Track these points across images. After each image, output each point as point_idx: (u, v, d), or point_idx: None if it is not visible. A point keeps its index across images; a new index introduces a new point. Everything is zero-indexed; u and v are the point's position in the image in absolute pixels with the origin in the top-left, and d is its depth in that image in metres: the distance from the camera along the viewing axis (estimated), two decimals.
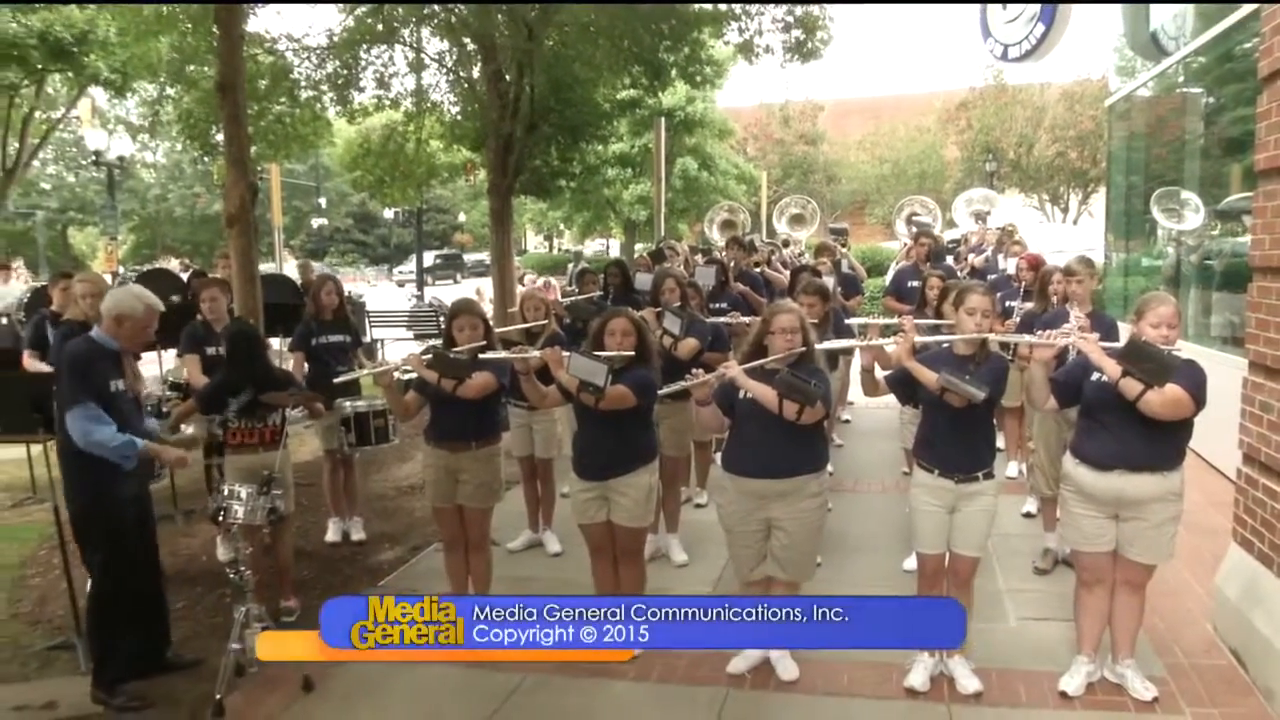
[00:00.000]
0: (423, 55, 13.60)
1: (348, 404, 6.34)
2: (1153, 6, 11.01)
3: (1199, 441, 4.36)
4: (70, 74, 18.10)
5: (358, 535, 6.64)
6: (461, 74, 13.59)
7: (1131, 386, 3.86)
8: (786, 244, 12.72)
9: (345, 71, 12.88)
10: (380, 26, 12.36)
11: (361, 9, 12.18)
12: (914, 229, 11.36)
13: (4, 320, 13.65)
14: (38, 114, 21.91)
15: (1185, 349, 4.08)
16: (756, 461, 4.24)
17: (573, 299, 7.72)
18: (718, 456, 5.50)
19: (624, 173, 28.43)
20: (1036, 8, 10.74)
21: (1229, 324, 8.34)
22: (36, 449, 6.71)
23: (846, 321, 6.59)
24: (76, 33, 16.06)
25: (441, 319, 9.98)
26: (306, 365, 6.51)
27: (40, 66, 17.06)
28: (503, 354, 4.76)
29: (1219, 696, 4.18)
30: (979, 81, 36.74)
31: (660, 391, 4.54)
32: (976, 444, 4.25)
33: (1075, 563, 4.44)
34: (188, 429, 5.61)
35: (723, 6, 12.12)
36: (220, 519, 4.44)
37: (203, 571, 6.02)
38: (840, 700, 4.24)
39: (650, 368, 4.55)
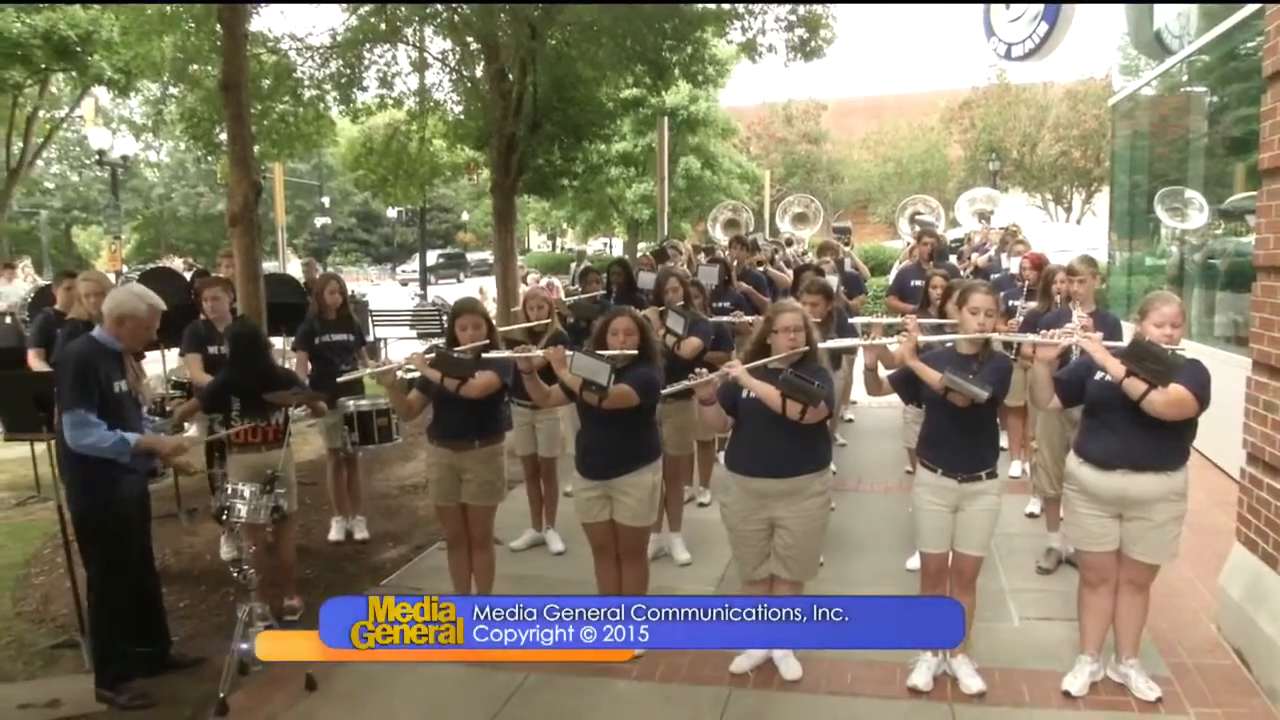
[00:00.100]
0: (426, 54, 13.62)
1: (351, 403, 6.35)
2: (1156, 5, 11.00)
3: (1203, 441, 4.35)
4: (74, 73, 18.13)
5: (361, 534, 6.64)
6: (464, 73, 13.60)
7: (1135, 386, 3.85)
8: (790, 243, 12.73)
9: (348, 70, 12.90)
10: (383, 26, 12.36)
11: (365, 8, 12.18)
12: (917, 228, 11.36)
13: (8, 319, 13.71)
14: (42, 113, 21.96)
15: (1189, 348, 4.07)
16: (759, 461, 4.24)
17: (576, 298, 7.72)
18: (721, 455, 5.52)
19: (627, 172, 28.42)
20: (1040, 7, 10.73)
21: (1233, 323, 8.33)
22: (41, 447, 6.73)
23: (850, 321, 6.59)
24: (81, 32, 16.08)
25: (444, 318, 9.97)
26: (310, 364, 6.51)
27: (44, 66, 17.09)
28: (506, 353, 4.75)
29: (1223, 696, 4.17)
30: (982, 80, 36.86)
31: (663, 391, 4.54)
32: (980, 443, 4.25)
33: (1079, 562, 4.44)
34: (190, 428, 5.63)
35: (726, 6, 12.12)
36: (224, 518, 4.45)
37: (206, 570, 6.02)
38: (843, 700, 4.24)
39: (653, 367, 4.55)
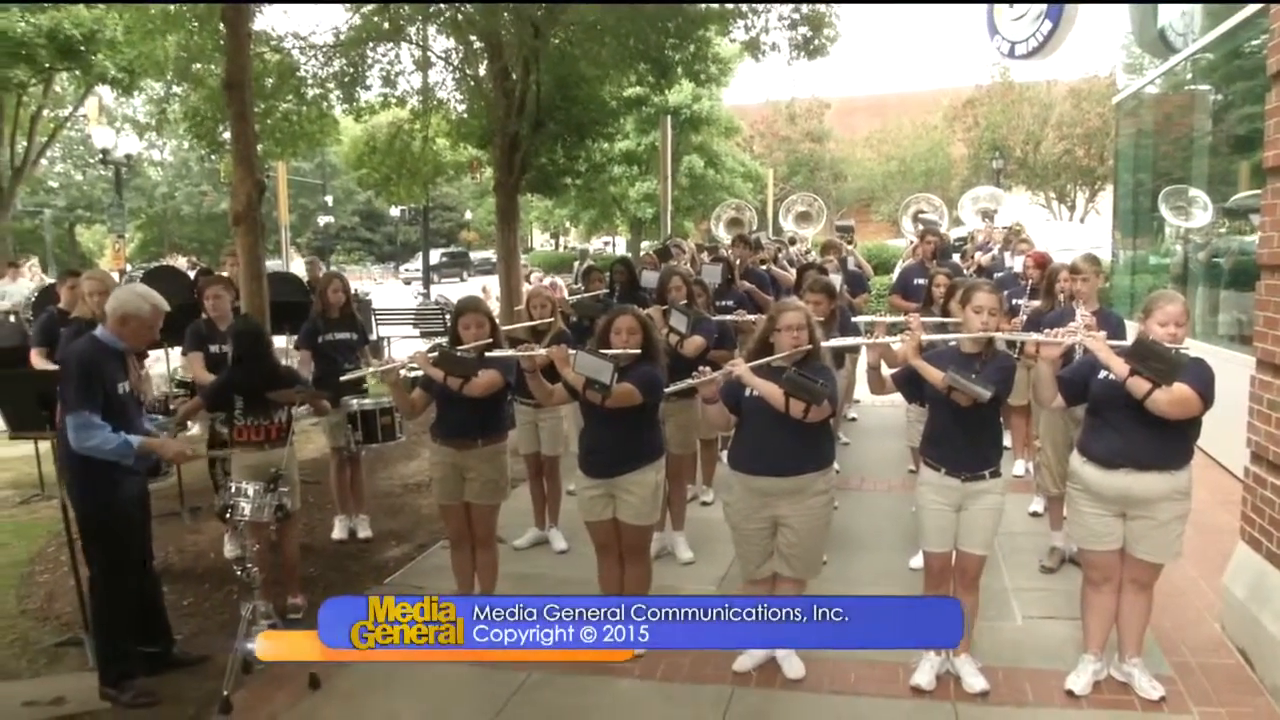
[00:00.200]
0: (429, 53, 13.62)
1: (354, 401, 6.35)
2: (1160, 4, 10.98)
3: (1207, 439, 4.34)
4: (78, 72, 18.16)
5: (364, 533, 6.65)
6: (468, 72, 13.61)
7: (1139, 385, 3.84)
8: (793, 241, 12.72)
9: (352, 69, 12.90)
10: (387, 25, 12.37)
11: (367, 7, 12.19)
12: (920, 226, 11.36)
13: (12, 318, 13.73)
14: (45, 112, 21.99)
15: (1193, 347, 4.06)
16: (763, 459, 4.24)
17: (579, 297, 7.72)
18: (724, 454, 5.52)
19: (630, 170, 28.44)
20: (1043, 5, 10.70)
21: (1237, 322, 8.31)
22: (45, 445, 6.74)
23: (853, 319, 6.58)
24: (85, 31, 16.11)
25: (448, 317, 9.99)
26: (313, 363, 6.52)
27: (48, 65, 17.12)
28: (509, 352, 4.76)
29: (1226, 696, 4.17)
30: (985, 79, 36.85)
31: (666, 389, 4.54)
32: (983, 442, 4.24)
33: (1082, 561, 4.43)
34: (194, 427, 5.63)
35: (729, 5, 12.11)
36: (227, 516, 4.46)
37: (210, 568, 6.03)
38: (846, 699, 4.24)
39: (656, 365, 4.55)
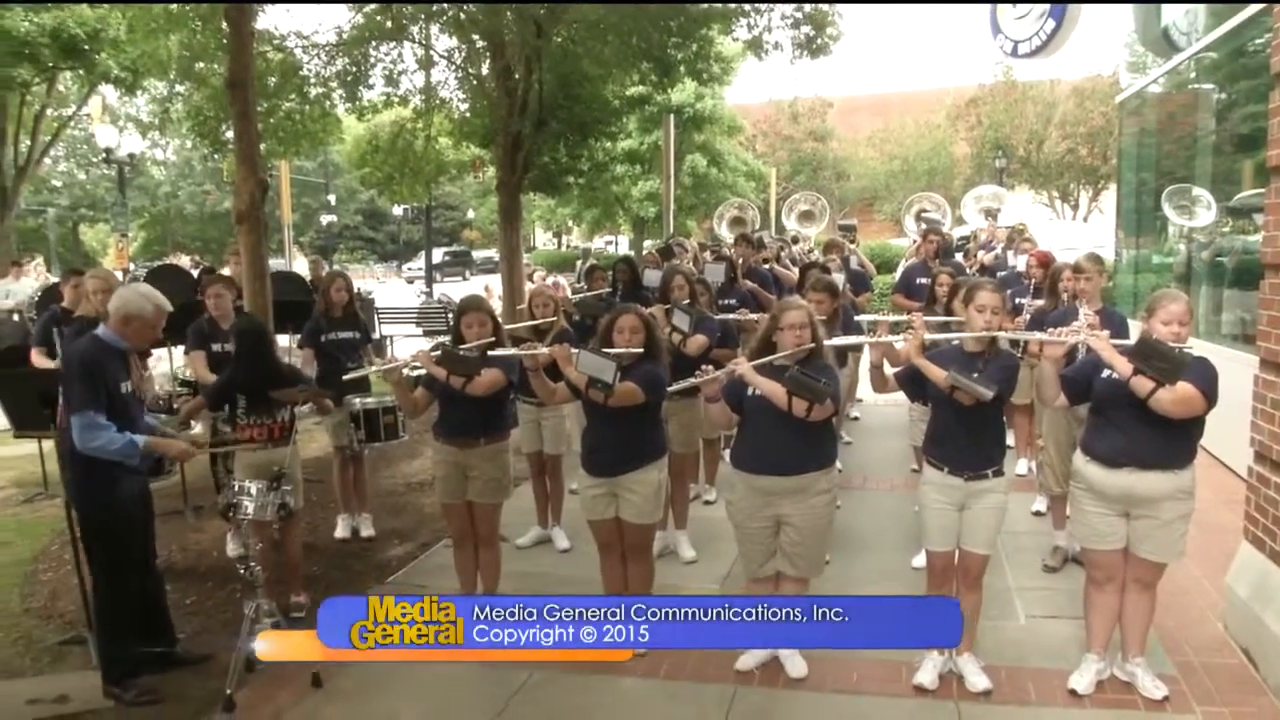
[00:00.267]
0: (432, 52, 13.62)
1: (357, 400, 6.35)
2: (1164, 4, 10.96)
3: (1210, 439, 4.34)
4: (81, 72, 18.19)
5: (367, 531, 6.65)
6: (470, 71, 13.60)
7: (1143, 384, 3.84)
8: (795, 241, 12.70)
9: (354, 68, 12.91)
10: (389, 24, 12.37)
11: (370, 6, 12.19)
12: (923, 226, 11.34)
13: (15, 317, 13.75)
14: (49, 112, 22.02)
15: (1196, 346, 4.05)
16: (765, 458, 4.24)
17: (581, 296, 7.72)
18: (726, 453, 5.52)
19: (633, 169, 28.44)
20: (1046, 5, 10.69)
21: (1240, 321, 8.30)
22: (48, 444, 6.75)
23: (856, 318, 6.58)
24: (89, 30, 16.13)
25: (450, 316, 9.99)
26: (316, 362, 6.52)
27: (52, 64, 17.14)
28: (511, 350, 4.77)
29: (1230, 695, 4.17)
30: (989, 78, 36.67)
31: (669, 388, 4.54)
32: (986, 441, 4.24)
33: (1085, 561, 4.43)
34: (196, 425, 5.63)
35: (732, 5, 12.10)
36: (230, 515, 4.46)
37: (213, 567, 6.04)
38: (849, 698, 4.24)
39: (659, 364, 4.55)
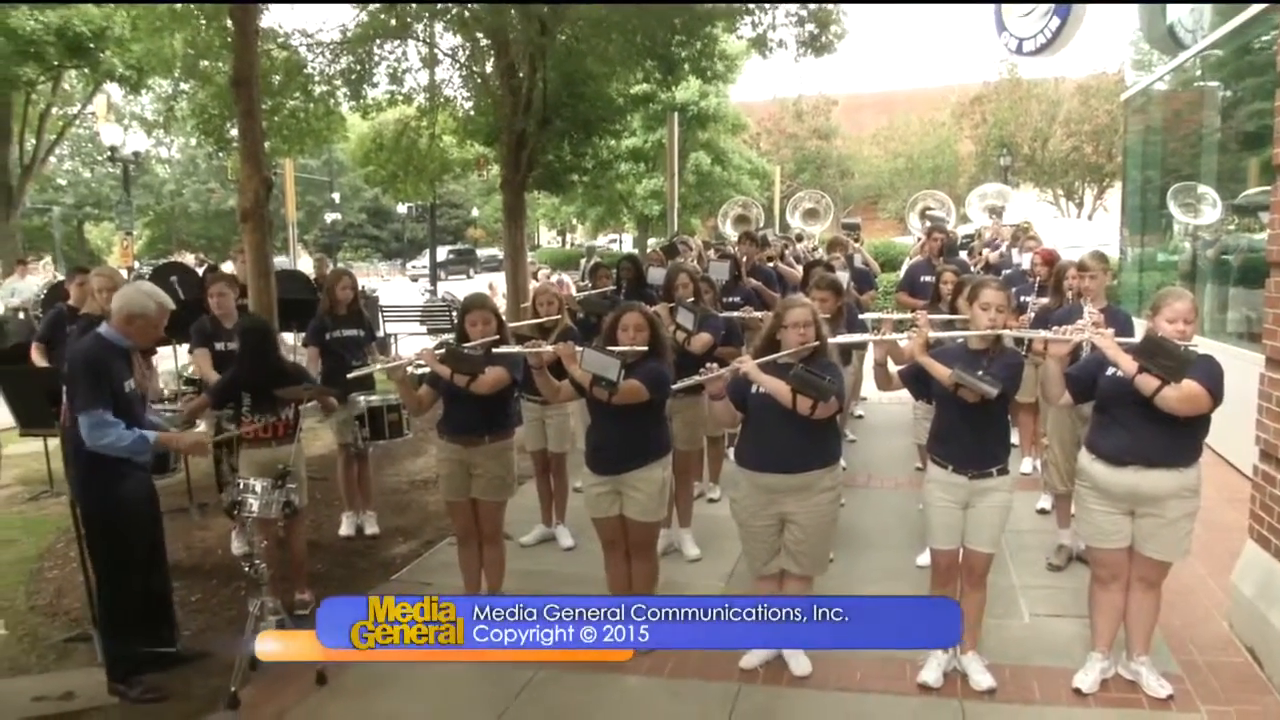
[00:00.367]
0: (436, 50, 13.62)
1: (362, 398, 6.36)
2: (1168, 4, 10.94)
3: (1215, 437, 4.32)
4: (86, 70, 18.23)
5: (371, 529, 6.66)
6: (475, 69, 13.60)
7: (1148, 382, 3.83)
8: (800, 239, 12.71)
9: (359, 66, 12.91)
10: (394, 22, 12.37)
11: (374, 4, 12.20)
12: (927, 223, 11.33)
13: (21, 315, 13.80)
14: (54, 110, 22.09)
15: (1201, 345, 4.05)
16: (769, 456, 4.24)
17: (586, 294, 7.72)
18: (730, 451, 5.52)
19: (637, 168, 28.41)
20: (1051, 4, 10.67)
21: (1246, 319, 8.28)
22: (54, 442, 6.77)
23: (860, 316, 6.57)
24: (94, 28, 16.16)
25: (454, 314, 10.00)
26: (321, 360, 6.53)
27: (57, 63, 17.19)
28: (516, 349, 4.76)
29: (1234, 694, 4.16)
30: (993, 76, 36.60)
31: (673, 386, 4.54)
32: (990, 440, 4.23)
33: (1090, 559, 4.42)
34: (201, 424, 5.64)
35: (736, 4, 12.09)
36: (235, 513, 4.46)
37: (218, 565, 6.05)
38: (853, 696, 4.24)
39: (663, 362, 4.55)
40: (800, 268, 9.00)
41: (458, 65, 13.90)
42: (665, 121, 18.17)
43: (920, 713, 4.12)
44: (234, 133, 11.09)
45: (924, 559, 5.18)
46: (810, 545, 4.31)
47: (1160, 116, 11.84)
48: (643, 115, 24.60)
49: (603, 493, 4.59)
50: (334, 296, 6.66)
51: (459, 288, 24.84)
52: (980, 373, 4.01)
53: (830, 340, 4.43)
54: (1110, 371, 4.04)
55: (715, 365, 4.37)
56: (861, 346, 6.96)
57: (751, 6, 11.97)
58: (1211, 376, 3.84)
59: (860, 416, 9.50)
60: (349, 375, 5.74)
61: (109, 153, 22.02)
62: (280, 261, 16.50)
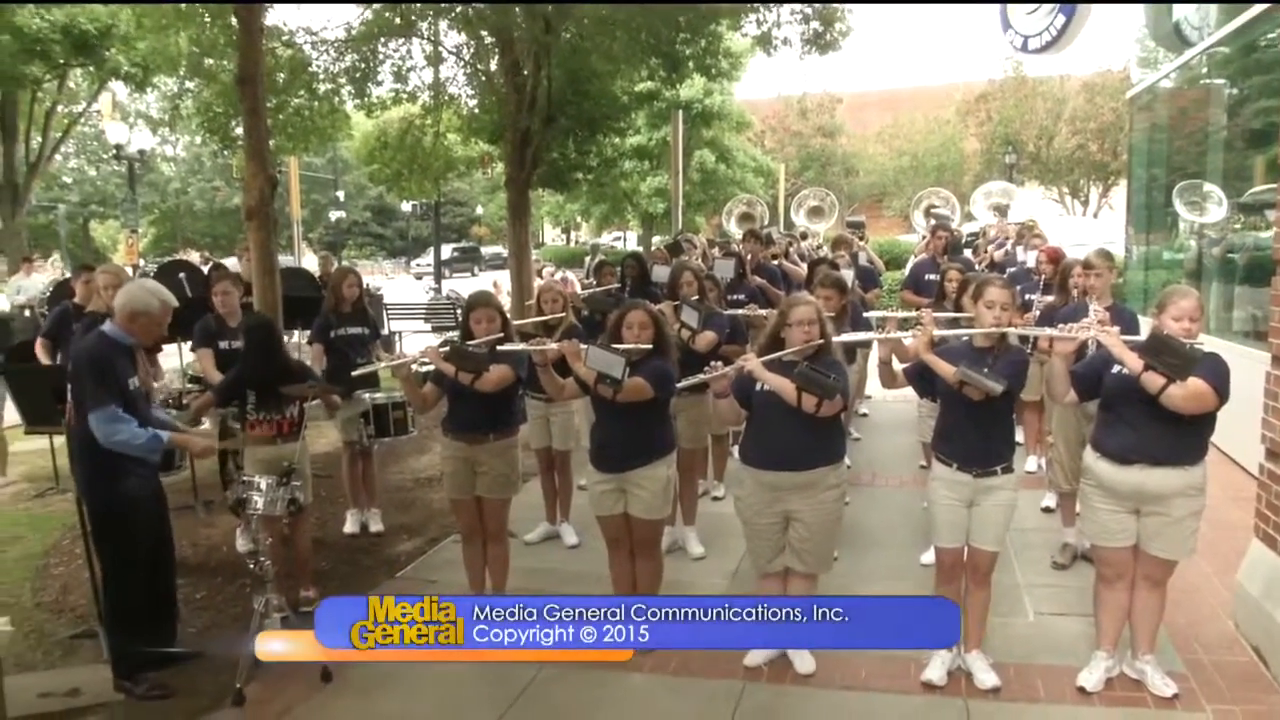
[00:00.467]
0: (440, 48, 13.64)
1: (367, 396, 6.37)
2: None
3: (1221, 436, 4.31)
4: (92, 68, 18.26)
5: (376, 526, 6.67)
6: (479, 67, 13.62)
7: (1154, 380, 3.82)
8: (804, 236, 12.68)
9: (363, 65, 12.94)
10: (398, 20, 12.39)
11: (378, 4, 12.21)
12: (932, 221, 11.31)
13: (27, 313, 13.84)
14: (60, 108, 22.12)
15: (1207, 343, 4.04)
16: (774, 454, 4.24)
17: (590, 291, 7.73)
18: (735, 449, 5.52)
19: (641, 165, 28.40)
20: (1056, 1, 10.64)
21: (1251, 318, 8.26)
22: (59, 440, 6.78)
23: (864, 314, 6.57)
24: (100, 26, 16.19)
25: (459, 312, 10.02)
26: (325, 357, 6.53)
27: (63, 61, 17.22)
28: (520, 346, 4.77)
29: (1240, 693, 4.15)
30: (998, 73, 36.57)
31: (678, 384, 4.54)
32: (995, 438, 4.23)
33: (1095, 558, 4.42)
34: (206, 422, 5.66)
35: (740, 2, 12.08)
36: (240, 510, 4.47)
37: (223, 562, 6.06)
38: (857, 694, 4.24)
39: (668, 360, 4.55)
40: (805, 266, 8.99)
41: (462, 63, 13.93)
42: (670, 119, 18.13)
43: (924, 711, 4.12)
44: (239, 131, 11.13)
45: (928, 557, 5.17)
46: (815, 543, 4.31)
47: (1166, 114, 11.80)
48: (647, 113, 24.61)
49: (607, 490, 4.59)
50: (339, 294, 6.67)
51: (463, 285, 24.88)
52: (985, 371, 4.01)
53: (835, 339, 4.43)
54: (1116, 369, 4.04)
55: (720, 363, 4.38)
56: (866, 345, 6.95)
57: (756, 4, 11.97)
58: (1217, 375, 3.83)
59: (865, 415, 9.49)
60: (354, 373, 5.75)
61: (114, 151, 22.06)
62: (285, 260, 16.50)
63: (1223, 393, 3.83)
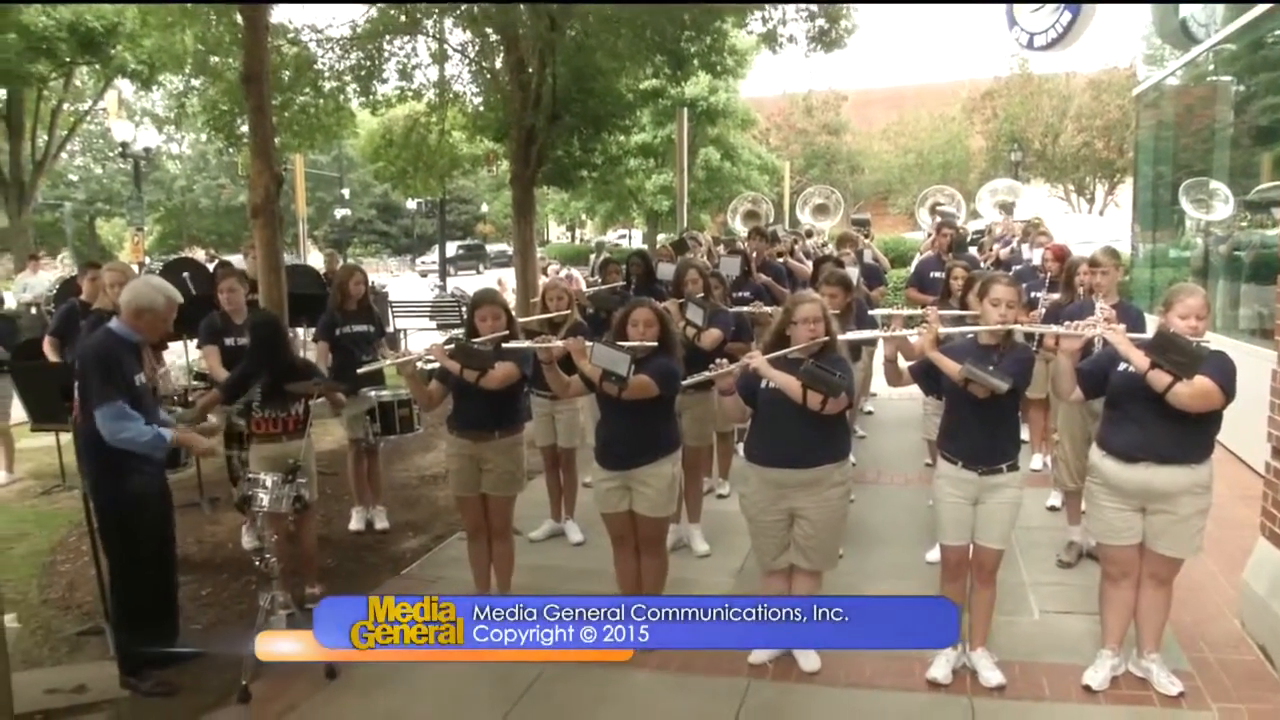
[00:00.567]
0: (445, 46, 13.64)
1: (372, 393, 6.37)
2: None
3: (1227, 434, 4.31)
4: (97, 66, 18.29)
5: (381, 524, 6.67)
6: (484, 65, 13.62)
7: (1160, 378, 3.82)
8: (809, 234, 12.68)
9: (368, 62, 12.94)
10: (403, 18, 12.39)
11: (383, 2, 12.22)
12: (937, 219, 11.30)
13: (33, 310, 13.87)
14: (66, 106, 22.15)
15: (1213, 341, 4.03)
16: (779, 451, 4.24)
17: (595, 289, 7.72)
18: (740, 447, 5.52)
19: (646, 163, 28.39)
20: None
21: (1258, 316, 8.24)
22: (66, 437, 6.79)
23: (870, 312, 6.56)
24: (106, 24, 16.21)
25: (464, 309, 10.04)
26: (330, 355, 6.54)
27: (69, 59, 17.25)
28: (525, 344, 4.77)
29: (1246, 692, 4.14)
30: (1004, 70, 36.50)
31: (683, 382, 4.54)
32: (1000, 436, 4.22)
33: (1101, 556, 4.41)
34: (212, 419, 5.66)
35: (745, 4, 12.07)
36: (246, 507, 4.48)
37: (228, 559, 6.07)
38: (862, 692, 4.24)
39: (673, 358, 4.55)
40: (810, 263, 9.00)
41: (467, 61, 13.93)
42: (675, 117, 18.16)
43: (929, 709, 4.12)
44: (244, 129, 11.15)
45: (934, 555, 5.17)
46: (820, 540, 4.31)
47: (1172, 111, 11.77)
48: (652, 111, 24.60)
49: (612, 488, 4.60)
50: (344, 292, 6.67)
51: (468, 283, 24.91)
52: (990, 368, 4.01)
53: (840, 337, 4.43)
54: (1122, 367, 4.03)
55: (725, 361, 4.38)
56: (871, 342, 6.95)
57: (762, 2, 11.95)
58: (1224, 373, 3.82)
59: (870, 412, 9.49)
60: (359, 370, 5.76)
61: (120, 149, 22.08)
62: (290, 257, 16.54)
63: (1229, 391, 3.82)
